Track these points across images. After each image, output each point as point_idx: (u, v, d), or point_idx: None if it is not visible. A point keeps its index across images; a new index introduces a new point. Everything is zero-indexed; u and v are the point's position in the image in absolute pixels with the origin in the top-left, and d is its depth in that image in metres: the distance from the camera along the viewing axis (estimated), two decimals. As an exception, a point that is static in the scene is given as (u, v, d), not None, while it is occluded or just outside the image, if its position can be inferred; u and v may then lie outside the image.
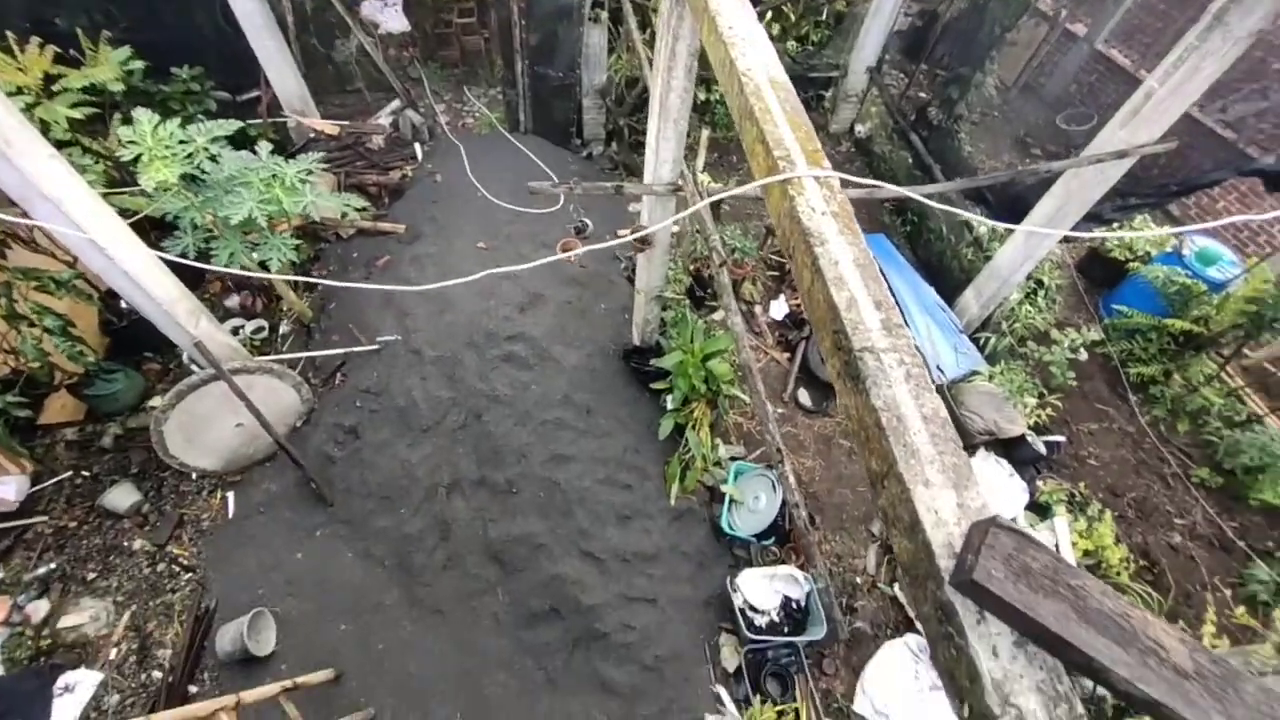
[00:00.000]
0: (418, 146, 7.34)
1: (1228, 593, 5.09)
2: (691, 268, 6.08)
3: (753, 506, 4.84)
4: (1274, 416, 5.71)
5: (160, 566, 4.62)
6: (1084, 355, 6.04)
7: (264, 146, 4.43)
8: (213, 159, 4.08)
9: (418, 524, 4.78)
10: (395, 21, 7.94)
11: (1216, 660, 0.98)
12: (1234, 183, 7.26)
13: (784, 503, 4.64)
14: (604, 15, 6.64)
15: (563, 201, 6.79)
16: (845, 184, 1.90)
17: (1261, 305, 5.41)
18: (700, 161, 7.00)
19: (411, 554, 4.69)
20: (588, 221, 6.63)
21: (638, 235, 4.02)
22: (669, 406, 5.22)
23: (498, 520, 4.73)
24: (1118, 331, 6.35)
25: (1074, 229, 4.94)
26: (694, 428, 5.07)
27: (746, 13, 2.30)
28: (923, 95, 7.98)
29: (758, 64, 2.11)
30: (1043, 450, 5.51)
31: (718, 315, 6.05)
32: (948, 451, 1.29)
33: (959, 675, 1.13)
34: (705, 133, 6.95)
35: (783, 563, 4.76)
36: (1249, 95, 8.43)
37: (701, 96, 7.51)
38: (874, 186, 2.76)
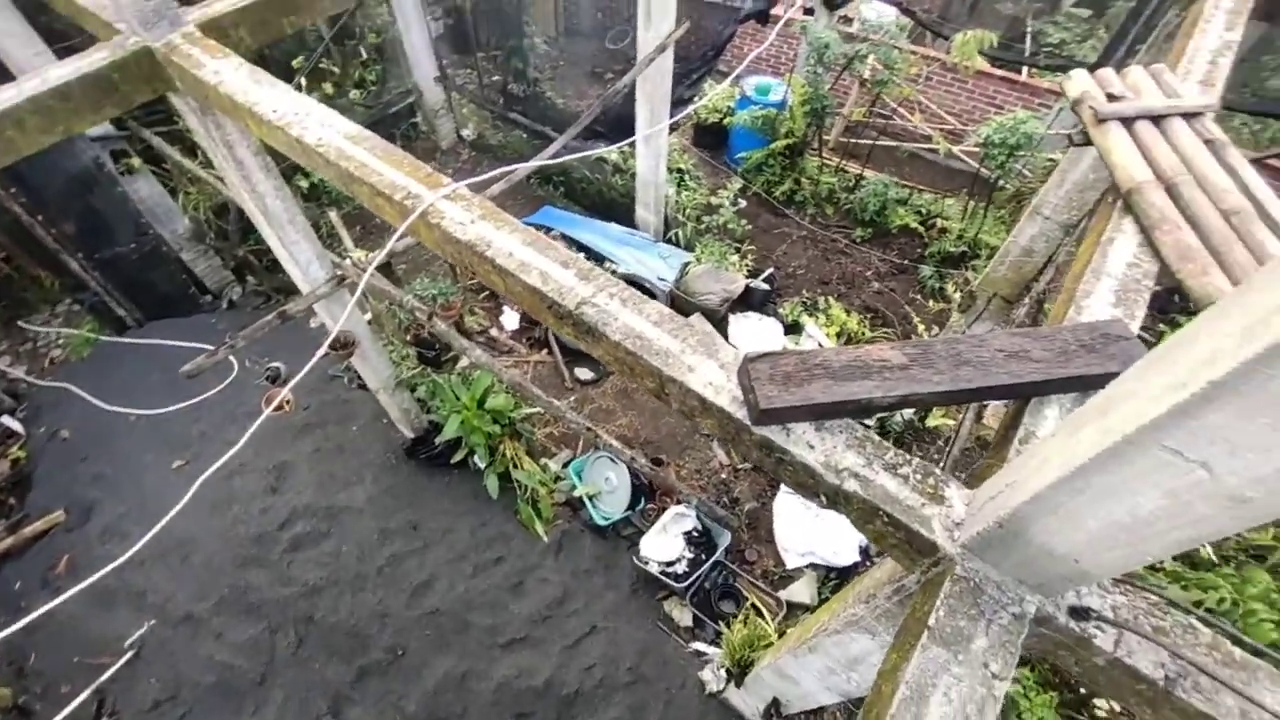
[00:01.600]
0: (8, 420, 5.71)
1: (920, 299, 6.67)
2: (409, 337, 5.79)
3: (609, 488, 4.97)
4: (867, 170, 7.47)
5: None
6: (742, 203, 7.20)
7: None
8: None
9: (325, 770, 4.00)
10: None
11: (915, 344, 1.29)
12: (745, 30, 9.07)
13: (628, 466, 4.84)
14: (137, 162, 5.73)
15: (237, 366, 5.90)
16: (475, 187, 1.96)
17: (811, 100, 6.96)
18: (347, 240, 6.59)
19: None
20: (278, 365, 5.87)
21: (332, 344, 3.69)
22: (482, 466, 5.02)
23: (406, 691, 4.18)
24: (750, 172, 7.67)
25: (671, 117, 5.76)
26: (515, 466, 4.98)
27: (282, 91, 2.18)
28: (497, 78, 8.44)
29: (326, 130, 2.03)
30: (766, 287, 6.51)
31: (463, 361, 5.91)
32: (687, 335, 1.46)
33: (803, 479, 1.32)
34: (333, 214, 6.54)
35: (663, 510, 5.01)
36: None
37: (304, 182, 6.99)
38: (505, 173, 2.89)
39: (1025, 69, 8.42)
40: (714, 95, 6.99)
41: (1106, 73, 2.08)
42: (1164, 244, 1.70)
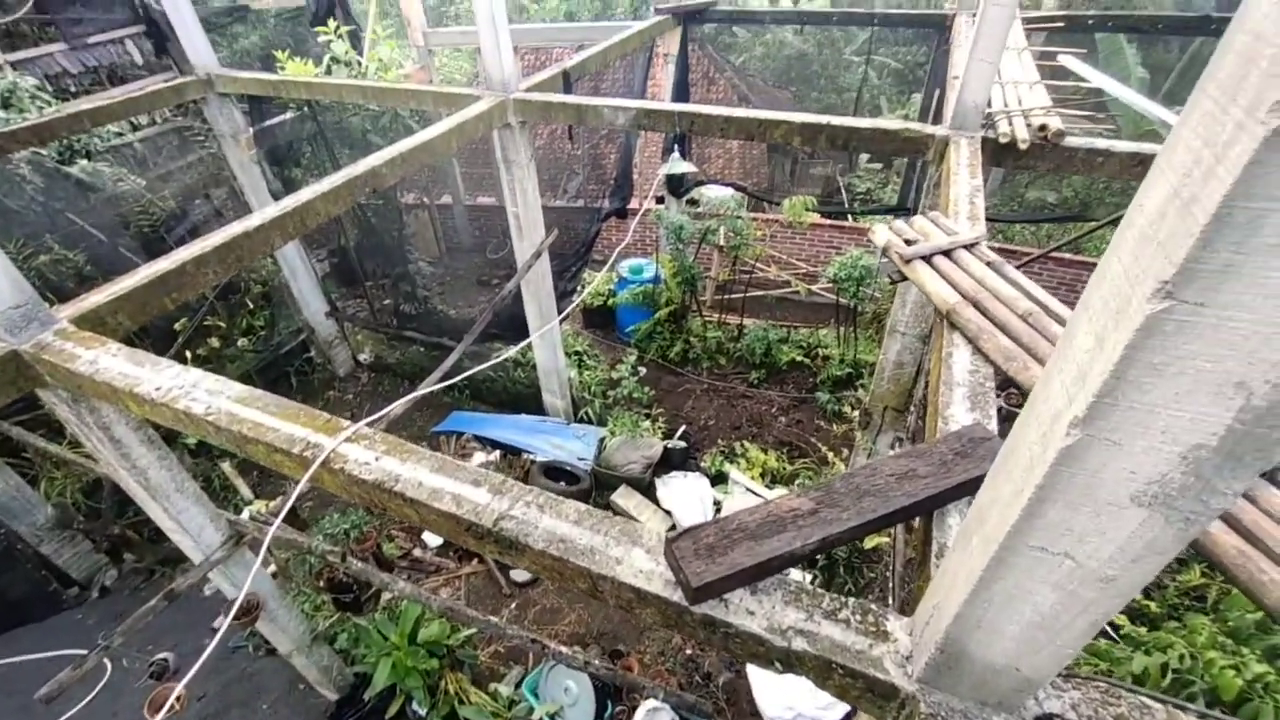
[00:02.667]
0: None
1: (824, 424, 7.09)
2: (321, 583, 5.28)
3: (570, 700, 4.47)
4: (745, 319, 8.25)
5: None
6: (642, 370, 7.60)
7: None
8: None
9: None
10: None
11: (818, 489, 1.39)
12: (610, 223, 10.26)
13: (585, 668, 4.43)
14: (-7, 458, 5.25)
15: (111, 667, 5.04)
16: (375, 422, 1.99)
17: (681, 272, 7.78)
18: (245, 490, 6.17)
19: None
20: (165, 656, 5.08)
21: (235, 615, 3.30)
22: (423, 713, 4.40)
23: None
24: (642, 341, 8.21)
25: (560, 311, 6.20)
26: (461, 701, 4.41)
27: (164, 368, 2.18)
28: (388, 301, 8.82)
29: (214, 398, 2.03)
30: (683, 444, 6.68)
31: (386, 596, 5.41)
32: (608, 528, 1.49)
33: (753, 648, 1.31)
34: (226, 465, 6.17)
35: (634, 709, 4.52)
36: (567, 177, 12.04)
37: (192, 439, 6.63)
38: (406, 402, 2.94)
39: (849, 216, 10.03)
40: (595, 283, 7.69)
41: (899, 224, 2.58)
42: (989, 350, 2.00)
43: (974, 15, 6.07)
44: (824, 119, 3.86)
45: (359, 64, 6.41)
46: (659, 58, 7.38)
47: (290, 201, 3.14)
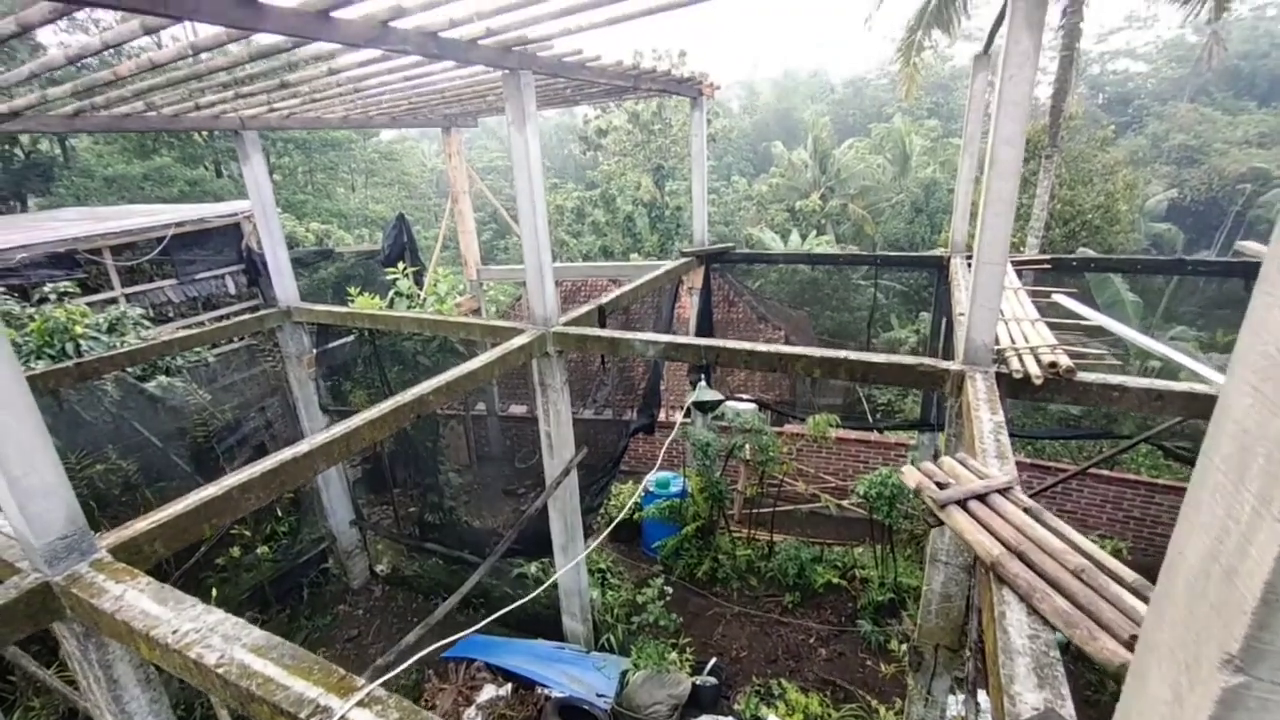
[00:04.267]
0: None
1: (870, 662, 6.39)
2: None
3: None
4: (775, 535, 7.93)
5: None
6: (669, 591, 7.15)
7: None
8: None
9: None
10: None
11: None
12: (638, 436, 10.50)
13: None
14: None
15: None
16: (384, 669, 1.88)
17: (708, 488, 7.71)
18: (227, 727, 5.58)
19: None
20: None
21: None
22: None
23: None
24: (669, 558, 7.85)
25: (585, 526, 6.07)
26: None
27: (188, 608, 2.15)
28: (413, 509, 8.77)
29: (230, 646, 1.96)
30: (714, 681, 6.00)
31: None
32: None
33: None
34: (224, 713, 5.67)
35: None
36: (597, 386, 12.61)
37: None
38: (417, 637, 2.79)
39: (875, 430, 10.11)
40: (623, 513, 7.64)
41: (928, 465, 2.60)
42: (1045, 611, 1.87)
43: (967, 259, 6.77)
44: (841, 354, 4.13)
45: (419, 296, 7.25)
46: (685, 290, 8.21)
47: (340, 429, 3.34)
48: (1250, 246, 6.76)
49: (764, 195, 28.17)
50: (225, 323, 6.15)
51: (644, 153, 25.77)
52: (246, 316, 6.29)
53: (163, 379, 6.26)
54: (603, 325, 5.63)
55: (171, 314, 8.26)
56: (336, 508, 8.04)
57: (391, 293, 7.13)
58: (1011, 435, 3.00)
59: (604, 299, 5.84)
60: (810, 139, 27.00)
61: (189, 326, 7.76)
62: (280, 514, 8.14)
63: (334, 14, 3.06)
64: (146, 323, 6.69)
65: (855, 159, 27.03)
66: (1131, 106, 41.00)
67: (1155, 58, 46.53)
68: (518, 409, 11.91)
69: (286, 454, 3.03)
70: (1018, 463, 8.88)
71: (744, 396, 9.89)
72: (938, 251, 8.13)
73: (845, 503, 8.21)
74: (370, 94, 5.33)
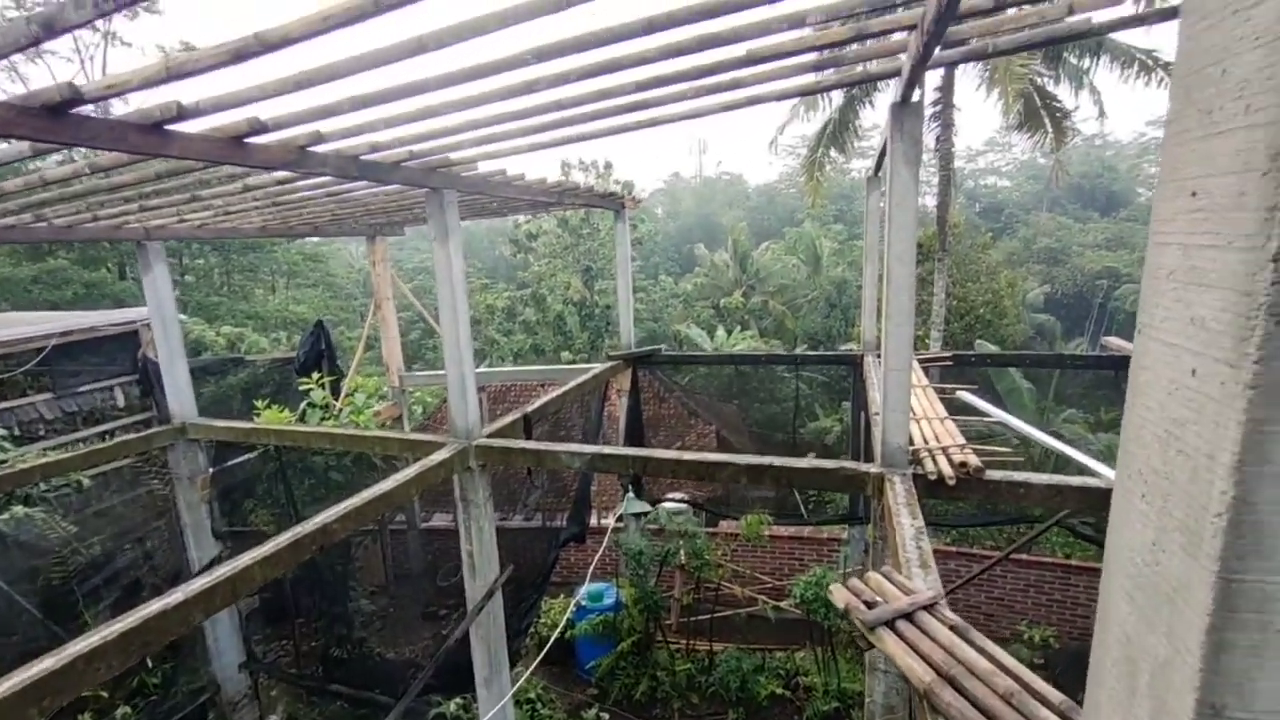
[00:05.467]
0: None
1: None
2: None
3: None
4: (715, 644, 7.58)
5: None
6: (606, 718, 6.59)
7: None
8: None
9: None
10: None
11: None
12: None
13: None
14: None
15: None
16: None
17: (643, 598, 7.36)
18: None
19: None
20: None
21: None
22: None
23: None
24: (604, 679, 7.30)
25: (512, 653, 5.58)
26: None
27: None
28: (315, 643, 7.83)
29: None
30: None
31: None
32: None
33: None
34: None
35: None
36: (527, 491, 12.12)
37: None
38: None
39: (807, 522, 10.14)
40: (553, 613, 7.15)
41: (854, 583, 2.58)
42: (982, 744, 1.81)
43: (877, 356, 7.22)
44: (767, 460, 4.17)
45: (334, 407, 6.88)
46: (614, 392, 8.23)
47: (225, 570, 2.98)
48: (1113, 342, 7.59)
49: (690, 293, 29.52)
50: (106, 444, 5.54)
51: (573, 255, 26.68)
52: (132, 436, 5.73)
53: (18, 510, 5.48)
54: (529, 435, 5.49)
55: (43, 431, 7.42)
56: (224, 648, 7.08)
57: (304, 404, 6.72)
58: (935, 524, 3.06)
59: (530, 406, 5.74)
60: (730, 241, 28.87)
61: (64, 447, 6.96)
62: (150, 663, 7.06)
63: (249, 140, 3.05)
64: (6, 445, 5.96)
65: (772, 260, 29.03)
66: (1003, 214, 46.74)
67: (1016, 175, 53.94)
68: (441, 519, 11.22)
69: (153, 607, 2.64)
70: (944, 551, 9.08)
71: (676, 496, 9.74)
72: (851, 348, 8.63)
73: (784, 604, 8.02)
74: (290, 207, 5.28)
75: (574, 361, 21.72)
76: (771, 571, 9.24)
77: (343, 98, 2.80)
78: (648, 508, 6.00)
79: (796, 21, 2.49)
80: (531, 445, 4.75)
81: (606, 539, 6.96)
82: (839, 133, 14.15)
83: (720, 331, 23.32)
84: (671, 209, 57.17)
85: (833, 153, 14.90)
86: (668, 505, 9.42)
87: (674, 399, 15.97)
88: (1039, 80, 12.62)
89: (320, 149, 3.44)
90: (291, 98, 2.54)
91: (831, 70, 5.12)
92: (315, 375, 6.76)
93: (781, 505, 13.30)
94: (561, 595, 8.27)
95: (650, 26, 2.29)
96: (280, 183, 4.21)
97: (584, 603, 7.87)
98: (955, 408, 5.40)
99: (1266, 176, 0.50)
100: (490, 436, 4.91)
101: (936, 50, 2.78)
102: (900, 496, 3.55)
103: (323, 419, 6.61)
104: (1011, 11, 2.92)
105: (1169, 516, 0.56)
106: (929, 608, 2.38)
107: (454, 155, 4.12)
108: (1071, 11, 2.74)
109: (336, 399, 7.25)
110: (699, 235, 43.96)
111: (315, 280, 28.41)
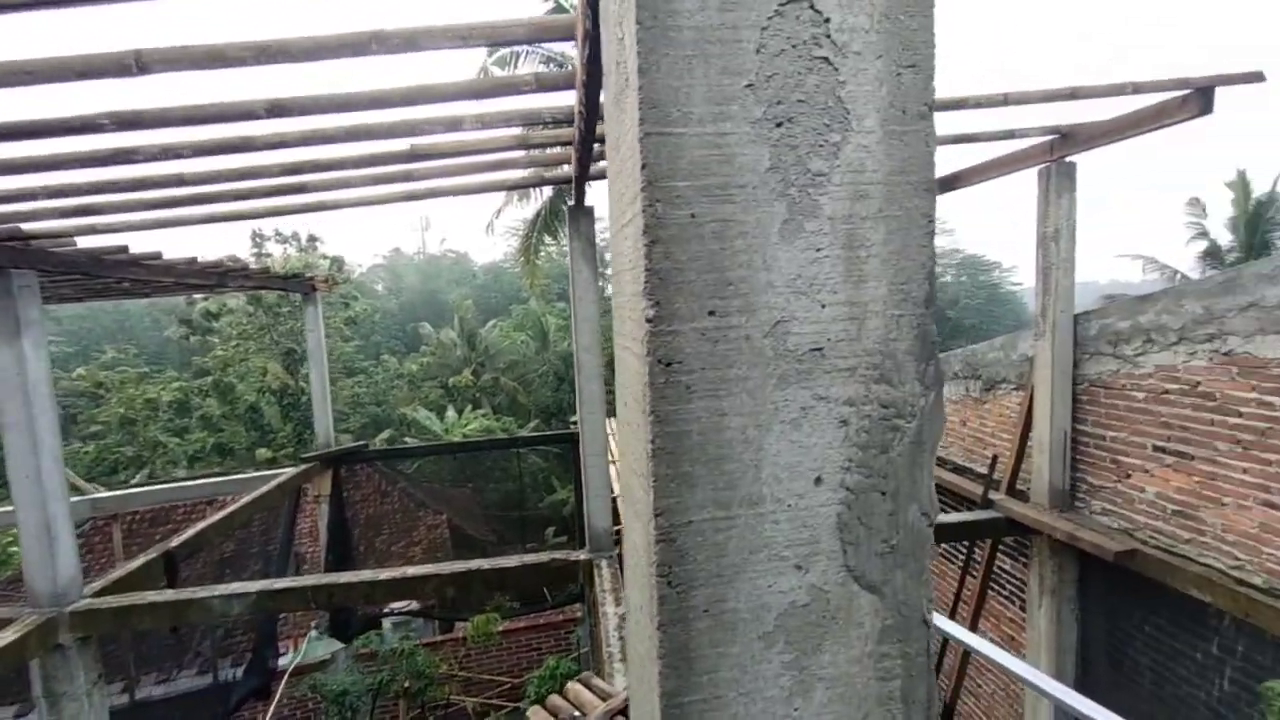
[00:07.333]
0: None
1: None
2: None
3: None
4: None
5: None
6: None
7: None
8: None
9: None
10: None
11: None
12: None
13: None
14: None
15: None
16: None
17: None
18: None
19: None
20: None
21: None
22: None
23: None
24: None
25: None
26: None
27: None
28: None
29: None
30: None
31: None
32: None
33: None
34: None
35: None
36: (195, 642, 9.50)
37: None
38: None
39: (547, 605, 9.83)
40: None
41: (554, 700, 2.43)
42: None
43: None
44: (474, 564, 3.86)
45: None
46: (310, 500, 7.01)
47: None
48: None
49: (416, 374, 27.76)
50: None
51: (270, 336, 23.00)
52: None
53: None
54: (172, 579, 4.25)
55: None
56: None
57: None
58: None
59: (176, 540, 4.49)
60: (457, 319, 28.22)
61: None
62: None
63: None
64: None
65: (501, 337, 29.12)
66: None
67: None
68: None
69: None
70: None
71: (400, 607, 8.58)
72: (572, 429, 8.89)
73: (522, 705, 7.50)
74: None
75: (274, 459, 18.36)
76: (509, 669, 8.64)
77: None
78: (335, 645, 5.08)
79: (453, 125, 2.47)
80: (167, 596, 3.65)
81: (280, 688, 5.69)
82: (550, 220, 15.11)
83: (451, 412, 22.24)
84: (394, 285, 54.08)
85: (546, 238, 15.79)
86: (390, 620, 8.27)
87: (398, 492, 14.48)
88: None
89: None
90: None
91: (531, 170, 5.37)
92: None
93: (524, 592, 12.83)
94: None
95: (274, 110, 2.02)
96: None
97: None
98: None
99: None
100: (102, 594, 3.64)
101: (593, 165, 3.05)
102: (606, 583, 3.58)
103: None
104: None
105: None
106: (624, 712, 2.34)
107: (28, 226, 3.12)
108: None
109: None
110: (424, 313, 42.17)
111: None
